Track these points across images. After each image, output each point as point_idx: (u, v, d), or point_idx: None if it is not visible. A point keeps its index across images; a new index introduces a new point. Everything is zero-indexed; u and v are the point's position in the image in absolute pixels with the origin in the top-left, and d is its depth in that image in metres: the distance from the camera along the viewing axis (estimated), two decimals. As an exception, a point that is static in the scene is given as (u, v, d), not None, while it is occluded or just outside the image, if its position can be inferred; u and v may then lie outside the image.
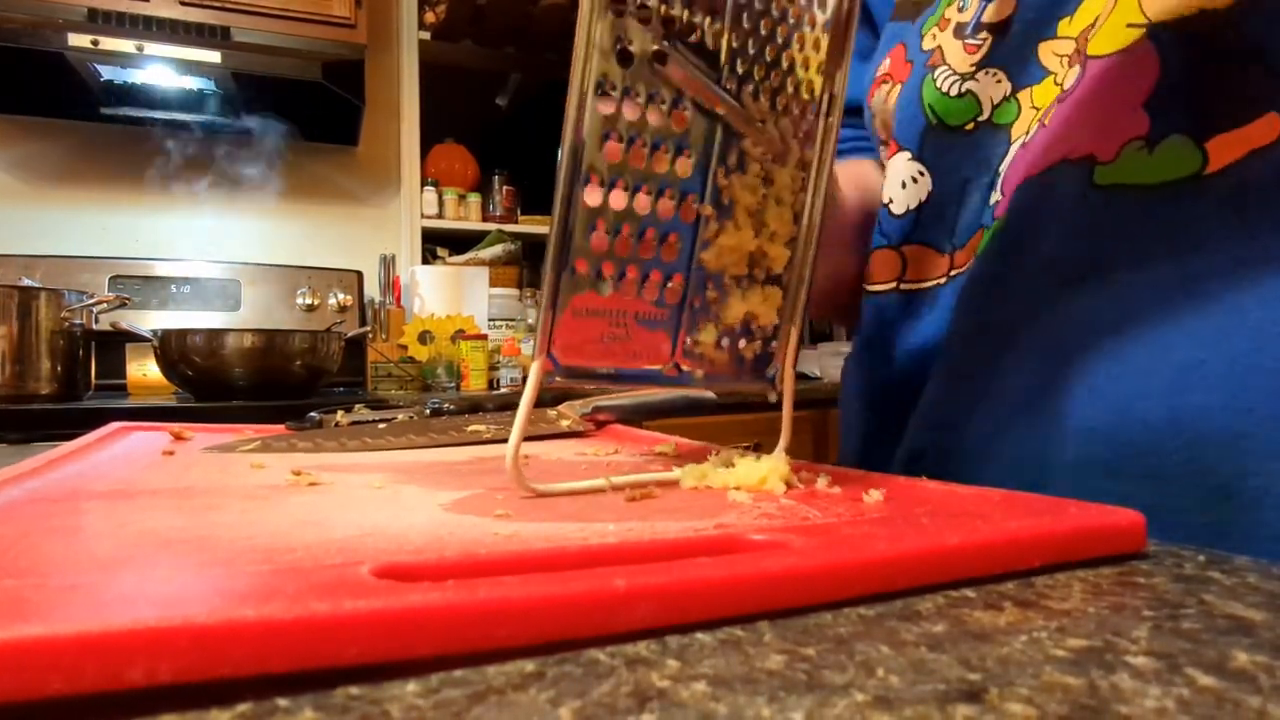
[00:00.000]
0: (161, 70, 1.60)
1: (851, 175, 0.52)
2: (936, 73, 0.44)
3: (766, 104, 0.33)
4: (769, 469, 0.32)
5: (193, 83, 1.67)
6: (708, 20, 0.31)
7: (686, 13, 0.30)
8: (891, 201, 0.48)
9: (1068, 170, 0.37)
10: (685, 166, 0.32)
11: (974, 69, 0.43)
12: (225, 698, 0.13)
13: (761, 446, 0.37)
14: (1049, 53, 0.40)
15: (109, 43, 1.48)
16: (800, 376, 0.38)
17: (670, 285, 0.32)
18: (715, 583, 0.17)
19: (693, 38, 0.30)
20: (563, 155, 0.29)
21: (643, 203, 0.31)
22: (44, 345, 1.21)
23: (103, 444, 0.47)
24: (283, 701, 0.13)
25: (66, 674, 0.13)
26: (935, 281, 0.45)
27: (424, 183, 2.01)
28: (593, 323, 0.31)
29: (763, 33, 0.32)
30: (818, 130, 0.35)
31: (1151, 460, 0.33)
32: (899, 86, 0.47)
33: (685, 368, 0.34)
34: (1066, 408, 0.36)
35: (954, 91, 0.43)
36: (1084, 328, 0.36)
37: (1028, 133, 0.40)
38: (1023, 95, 0.41)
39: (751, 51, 0.32)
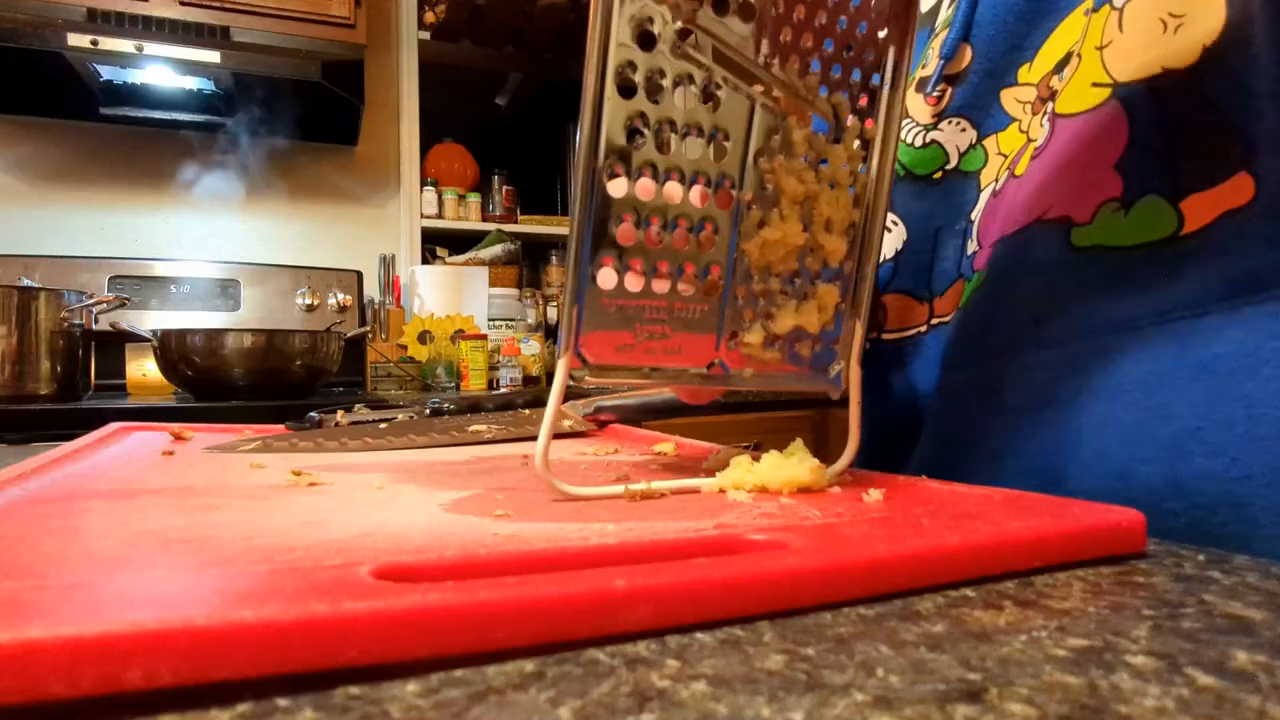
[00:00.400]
0: (161, 70, 1.60)
1: None
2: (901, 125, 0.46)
3: (816, 79, 0.30)
4: (810, 469, 0.31)
5: (192, 83, 1.67)
6: None
7: None
8: None
9: (1044, 230, 0.37)
10: (720, 152, 0.29)
11: (935, 120, 0.43)
12: (225, 698, 0.13)
13: (762, 446, 0.37)
14: (1011, 99, 0.41)
15: (108, 43, 1.48)
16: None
17: (710, 277, 0.30)
18: (715, 583, 0.17)
19: (727, 7, 0.27)
20: (581, 145, 0.27)
21: (673, 192, 0.29)
22: (43, 345, 1.21)
23: (102, 444, 0.47)
24: (283, 701, 0.13)
25: (66, 676, 0.13)
26: (917, 330, 0.46)
27: (423, 182, 2.01)
28: (626, 319, 0.29)
29: None
30: (880, 102, 0.31)
31: (1155, 522, 0.33)
32: None
33: (732, 368, 0.32)
34: (1065, 470, 0.36)
35: (919, 142, 0.44)
36: (1073, 389, 0.36)
37: (997, 180, 0.40)
38: (989, 142, 0.42)
39: (798, 18, 0.29)
